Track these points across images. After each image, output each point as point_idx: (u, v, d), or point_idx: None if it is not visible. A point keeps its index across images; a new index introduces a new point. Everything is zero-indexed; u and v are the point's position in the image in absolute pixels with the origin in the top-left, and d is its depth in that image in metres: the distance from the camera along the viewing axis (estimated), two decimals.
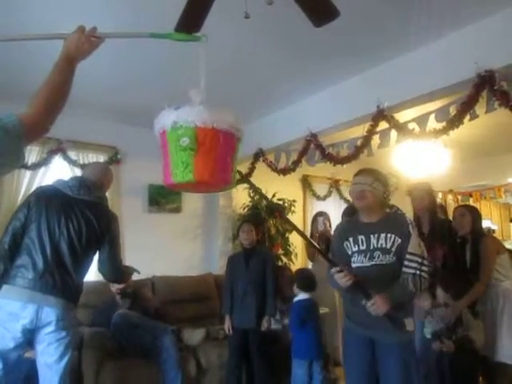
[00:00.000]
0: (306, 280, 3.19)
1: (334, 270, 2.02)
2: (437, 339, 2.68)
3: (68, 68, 1.23)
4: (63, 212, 2.17)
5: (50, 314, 2.01)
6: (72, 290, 2.13)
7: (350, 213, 3.20)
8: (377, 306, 1.94)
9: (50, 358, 2.04)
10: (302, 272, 3.42)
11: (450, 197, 7.15)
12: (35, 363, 2.10)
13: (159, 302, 3.79)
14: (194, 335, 3.51)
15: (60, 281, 2.07)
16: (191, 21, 1.94)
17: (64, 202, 2.21)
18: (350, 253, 2.16)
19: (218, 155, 1.31)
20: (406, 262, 2.03)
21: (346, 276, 1.98)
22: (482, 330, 2.75)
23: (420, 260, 2.03)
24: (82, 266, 2.22)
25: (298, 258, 5.22)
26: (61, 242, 2.13)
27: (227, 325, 3.33)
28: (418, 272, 2.01)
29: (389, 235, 2.07)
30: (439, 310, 2.75)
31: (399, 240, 2.06)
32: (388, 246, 2.07)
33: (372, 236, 2.11)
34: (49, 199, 2.21)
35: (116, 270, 2.37)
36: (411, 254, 2.03)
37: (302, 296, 3.13)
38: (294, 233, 5.21)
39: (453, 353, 2.62)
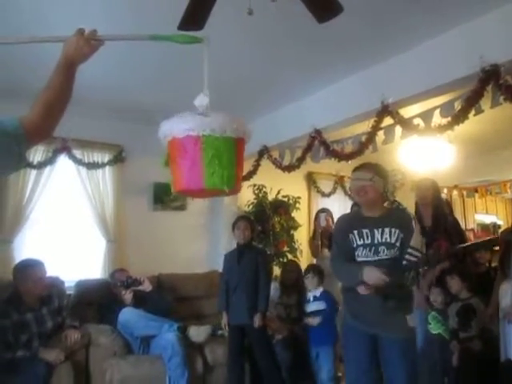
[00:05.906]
0: None
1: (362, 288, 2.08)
2: (454, 338, 2.62)
3: (68, 72, 1.19)
4: None
5: None
6: None
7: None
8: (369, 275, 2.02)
9: None
10: None
11: (455, 192, 7.12)
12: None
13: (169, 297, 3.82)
14: (201, 332, 3.51)
15: None
16: (194, 19, 1.94)
17: None
18: (354, 246, 2.17)
19: (242, 164, 1.42)
20: (407, 256, 2.08)
21: (368, 289, 2.06)
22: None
23: (420, 255, 2.10)
24: None
25: (303, 255, 5.21)
26: None
27: (224, 321, 3.34)
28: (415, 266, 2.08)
29: (393, 230, 2.10)
30: (455, 305, 2.69)
31: (402, 235, 2.10)
32: (393, 240, 2.09)
33: (376, 230, 2.13)
34: None
35: None
36: (413, 248, 2.08)
37: None
38: (299, 229, 5.27)
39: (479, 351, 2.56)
